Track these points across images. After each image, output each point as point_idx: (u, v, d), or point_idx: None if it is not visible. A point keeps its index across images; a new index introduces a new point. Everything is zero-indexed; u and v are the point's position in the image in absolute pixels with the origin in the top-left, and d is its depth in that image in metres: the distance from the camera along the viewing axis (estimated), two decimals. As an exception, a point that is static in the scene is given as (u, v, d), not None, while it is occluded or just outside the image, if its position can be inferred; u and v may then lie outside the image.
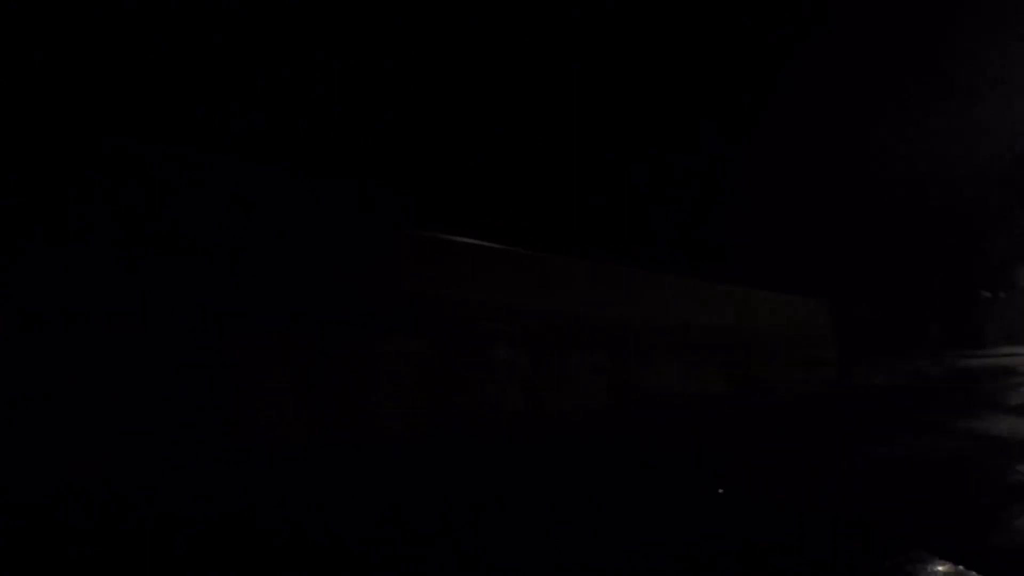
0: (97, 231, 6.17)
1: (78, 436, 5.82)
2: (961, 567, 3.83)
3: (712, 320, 11.57)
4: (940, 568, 3.89)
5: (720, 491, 5.42)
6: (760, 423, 9.57)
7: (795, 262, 13.34)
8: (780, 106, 12.31)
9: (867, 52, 12.40)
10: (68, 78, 7.02)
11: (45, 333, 5.81)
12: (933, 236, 17.78)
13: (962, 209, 17.66)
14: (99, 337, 5.98)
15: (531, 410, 9.09)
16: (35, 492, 5.36)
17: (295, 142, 8.12)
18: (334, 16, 8.74)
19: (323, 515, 4.98)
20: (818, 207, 13.57)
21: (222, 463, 6.25)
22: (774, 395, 11.44)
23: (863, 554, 4.15)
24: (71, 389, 5.78)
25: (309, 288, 7.33)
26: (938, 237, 18.14)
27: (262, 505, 5.35)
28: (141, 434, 5.93)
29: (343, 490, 5.86)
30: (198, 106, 7.79)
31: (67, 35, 7.07)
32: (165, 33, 7.55)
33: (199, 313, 6.38)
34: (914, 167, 14.14)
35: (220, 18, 7.91)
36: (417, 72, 9.07)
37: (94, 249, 6.14)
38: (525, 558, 4.17)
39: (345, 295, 7.62)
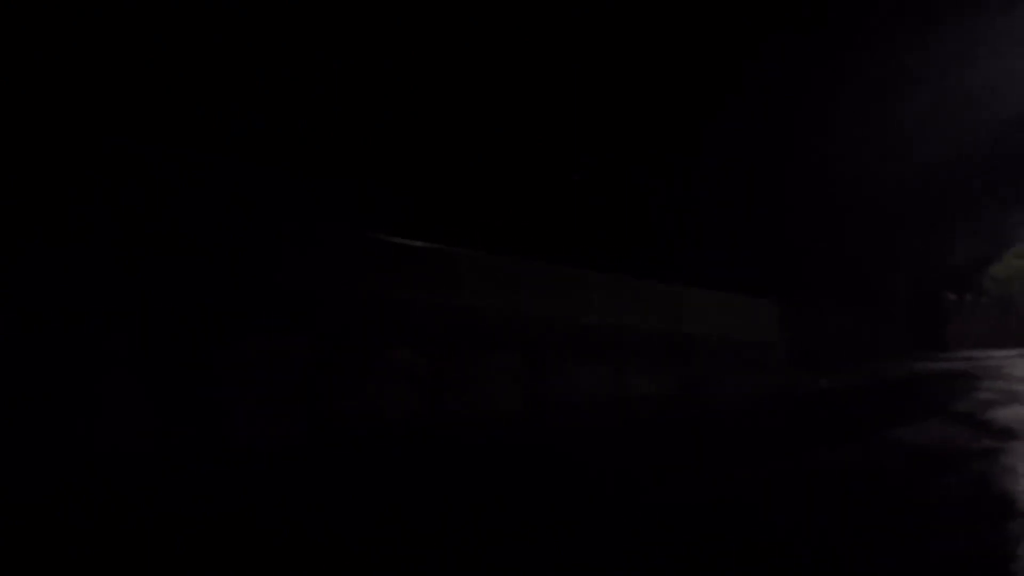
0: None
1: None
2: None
3: (646, 321, 11.03)
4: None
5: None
6: (682, 430, 9.03)
7: (745, 262, 12.84)
8: (728, 96, 11.79)
9: (821, 43, 11.93)
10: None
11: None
12: (895, 237, 17.36)
13: (926, 209, 17.25)
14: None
15: (429, 415, 8.51)
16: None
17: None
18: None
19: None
20: (770, 204, 13.09)
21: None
22: (711, 400, 10.91)
23: None
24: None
25: (166, 283, 6.70)
26: (901, 238, 17.72)
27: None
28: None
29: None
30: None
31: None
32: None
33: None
34: (872, 164, 13.68)
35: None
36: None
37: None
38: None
39: (211, 291, 7.00)
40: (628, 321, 10.77)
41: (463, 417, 8.77)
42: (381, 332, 8.20)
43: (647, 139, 10.95)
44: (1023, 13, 12.09)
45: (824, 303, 15.18)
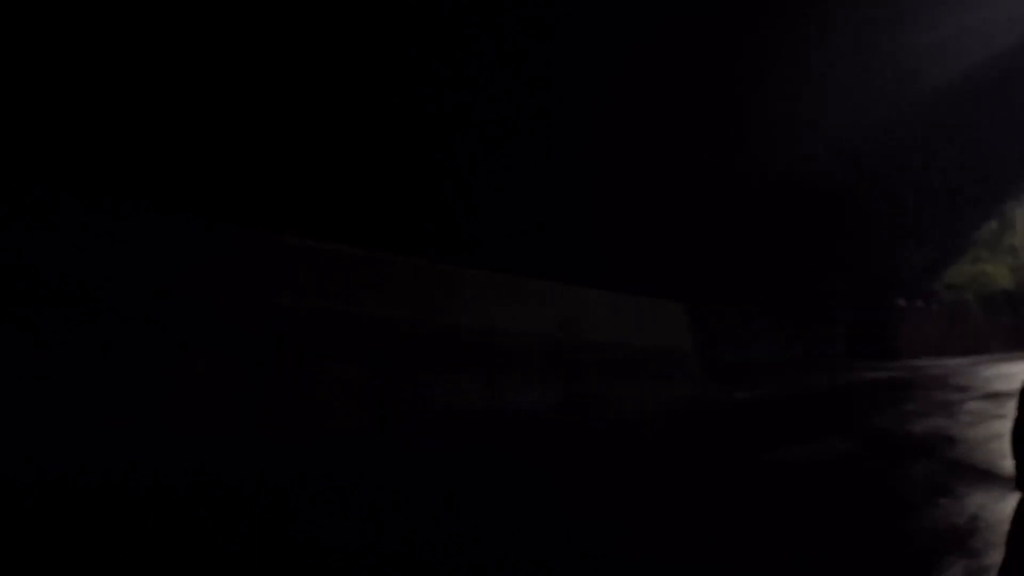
0: None
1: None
2: None
3: (529, 324, 10.01)
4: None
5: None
6: (547, 451, 8.00)
7: (654, 261, 11.89)
8: (617, 78, 10.85)
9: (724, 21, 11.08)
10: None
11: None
12: (834, 238, 16.55)
13: (865, 205, 16.47)
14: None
15: (245, 436, 7.39)
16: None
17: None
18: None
19: None
20: (682, 199, 12.17)
21: None
22: (606, 413, 9.91)
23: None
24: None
25: None
26: (841, 239, 16.92)
27: None
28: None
29: None
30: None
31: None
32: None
33: None
34: (795, 154, 12.79)
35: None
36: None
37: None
38: None
39: None
40: (509, 325, 9.74)
41: (291, 439, 7.64)
42: (178, 335, 7.09)
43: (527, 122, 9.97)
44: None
45: (750, 308, 14.29)
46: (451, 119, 9.78)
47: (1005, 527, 4.56)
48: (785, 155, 12.06)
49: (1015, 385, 5.69)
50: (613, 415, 9.93)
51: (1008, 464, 5.29)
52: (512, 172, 10.20)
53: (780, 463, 6.80)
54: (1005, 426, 5.60)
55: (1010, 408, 5.49)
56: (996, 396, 11.05)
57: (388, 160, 9.76)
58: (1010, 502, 5.03)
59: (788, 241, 14.29)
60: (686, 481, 6.19)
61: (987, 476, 5.90)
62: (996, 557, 4.06)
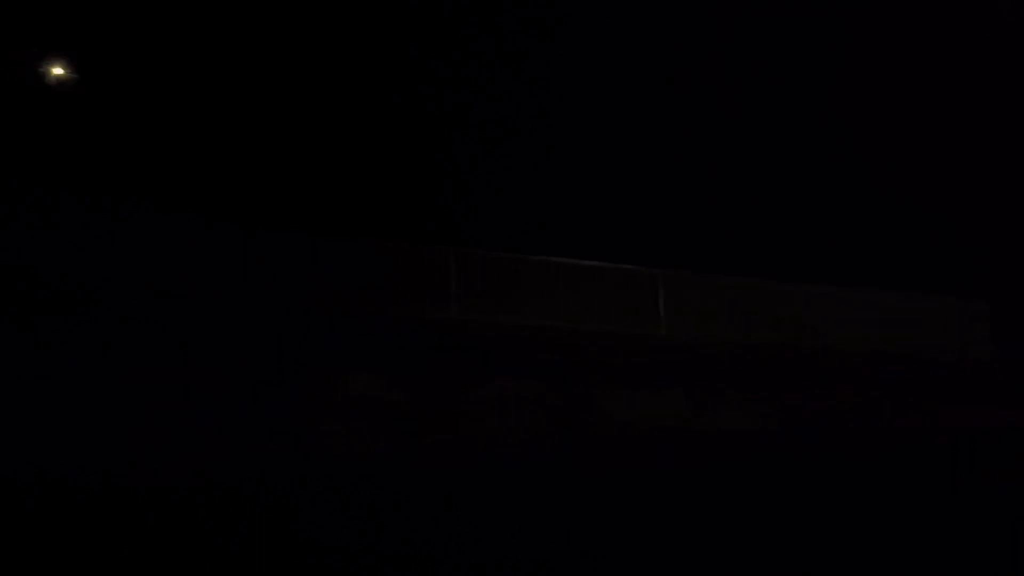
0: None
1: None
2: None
3: (741, 332, 8.59)
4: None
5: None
6: (788, 479, 6.75)
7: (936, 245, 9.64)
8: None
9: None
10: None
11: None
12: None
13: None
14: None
15: (404, 456, 7.22)
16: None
17: None
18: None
19: None
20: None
21: None
22: (837, 444, 8.20)
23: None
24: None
25: None
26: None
27: None
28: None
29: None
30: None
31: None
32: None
33: None
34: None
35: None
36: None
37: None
38: None
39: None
40: (714, 332, 8.52)
41: (456, 458, 7.40)
42: (335, 354, 7.25)
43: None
44: None
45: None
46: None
47: None
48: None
49: None
50: (853, 443, 8.14)
51: None
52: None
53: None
54: None
55: None
56: None
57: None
58: None
59: None
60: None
61: None
62: None
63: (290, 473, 6.25)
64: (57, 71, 8.34)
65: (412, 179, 8.60)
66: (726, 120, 9.38)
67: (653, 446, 7.74)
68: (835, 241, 9.24)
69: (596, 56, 9.26)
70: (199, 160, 8.28)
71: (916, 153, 9.64)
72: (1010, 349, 9.60)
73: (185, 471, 6.01)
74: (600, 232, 8.68)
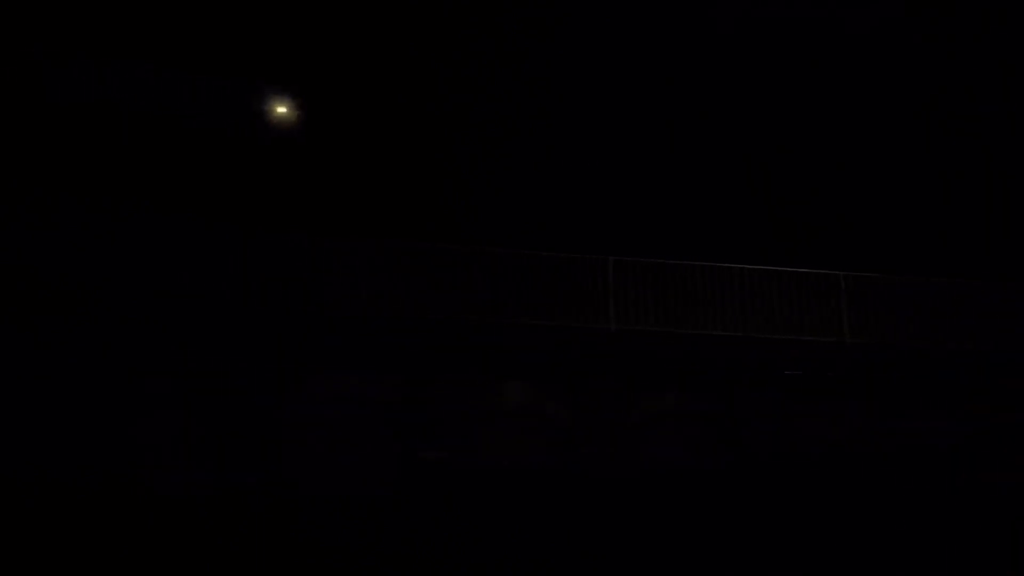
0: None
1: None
2: None
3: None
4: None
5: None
6: None
7: None
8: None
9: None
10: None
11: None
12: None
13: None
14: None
15: (564, 468, 6.69)
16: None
17: None
18: None
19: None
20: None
21: None
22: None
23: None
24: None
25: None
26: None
27: None
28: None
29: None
30: None
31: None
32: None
33: None
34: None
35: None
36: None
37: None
38: None
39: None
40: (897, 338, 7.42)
41: (616, 473, 6.65)
42: (491, 365, 6.65)
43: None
44: None
45: None
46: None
47: None
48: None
49: None
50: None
51: None
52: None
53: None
54: None
55: None
56: None
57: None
58: None
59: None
60: None
61: None
62: None
63: (453, 480, 6.34)
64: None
65: (566, 188, 8.11)
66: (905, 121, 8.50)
67: (830, 458, 7.09)
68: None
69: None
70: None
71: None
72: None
73: (354, 478, 6.14)
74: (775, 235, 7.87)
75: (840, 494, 6.76)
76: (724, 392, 7.05)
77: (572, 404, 6.96)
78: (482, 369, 6.90)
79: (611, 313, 7.09)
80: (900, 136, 8.56)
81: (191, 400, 6.39)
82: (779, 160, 8.52)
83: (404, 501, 6.12)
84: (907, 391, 7.34)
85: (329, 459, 6.38)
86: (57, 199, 7.17)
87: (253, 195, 7.63)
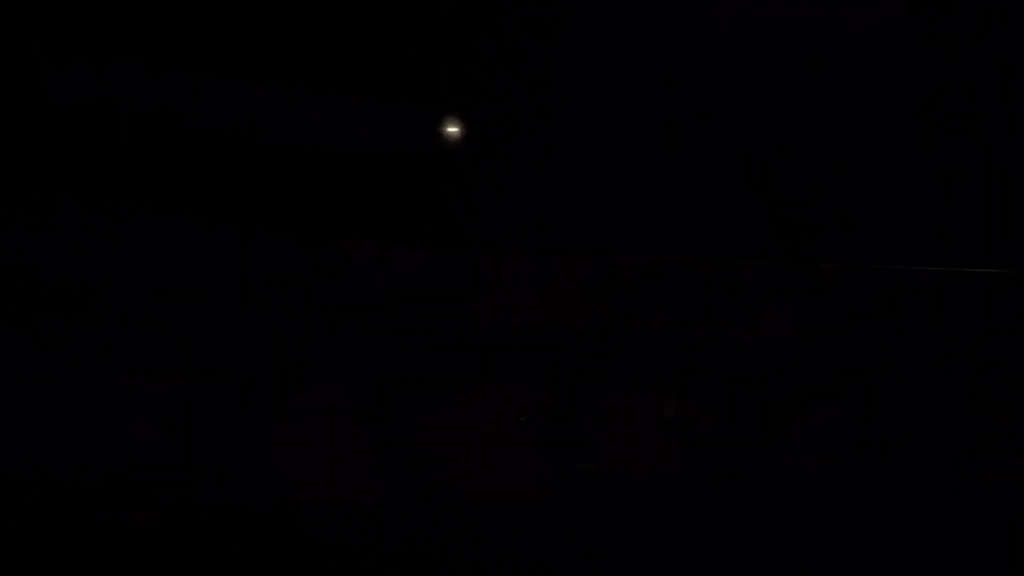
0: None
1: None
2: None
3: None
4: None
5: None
6: None
7: None
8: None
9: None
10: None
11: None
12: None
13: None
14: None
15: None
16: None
17: None
18: None
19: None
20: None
21: None
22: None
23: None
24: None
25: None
26: None
27: None
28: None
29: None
30: None
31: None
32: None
33: None
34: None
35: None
36: None
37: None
38: None
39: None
40: None
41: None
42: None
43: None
44: None
45: None
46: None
47: None
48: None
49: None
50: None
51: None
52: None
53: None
54: None
55: None
56: None
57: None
58: None
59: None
60: None
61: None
62: None
63: (598, 492, 6.33)
64: None
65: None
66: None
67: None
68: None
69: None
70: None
71: None
72: None
73: (503, 489, 6.24)
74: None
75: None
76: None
77: (720, 413, 6.84)
78: (623, 378, 6.83)
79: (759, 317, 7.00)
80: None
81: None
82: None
83: (555, 512, 6.16)
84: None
85: (477, 470, 6.40)
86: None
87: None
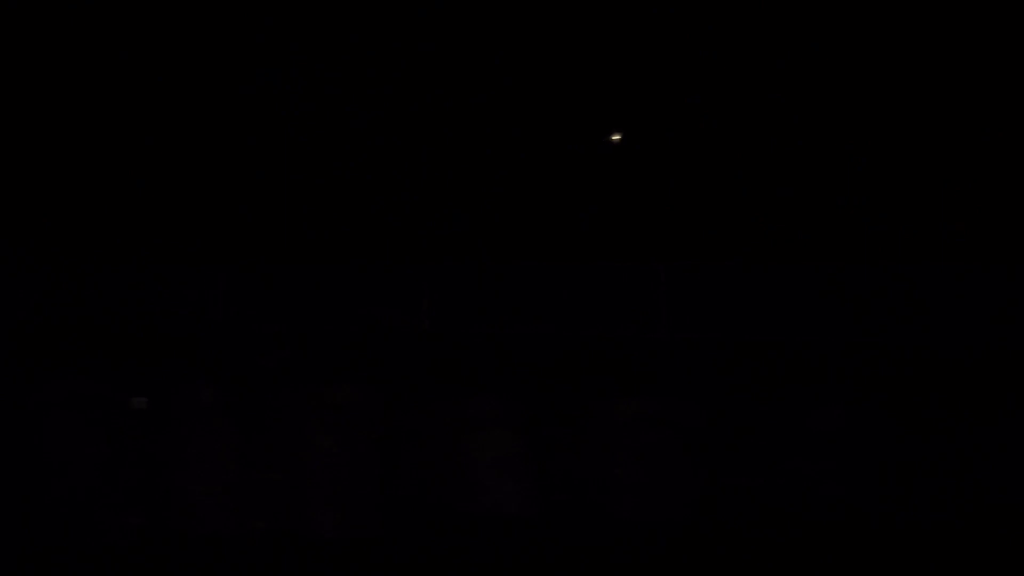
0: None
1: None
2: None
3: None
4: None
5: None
6: None
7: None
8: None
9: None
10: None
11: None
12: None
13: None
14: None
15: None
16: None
17: None
18: None
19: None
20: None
21: None
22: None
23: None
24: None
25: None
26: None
27: None
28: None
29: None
30: None
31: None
32: None
33: None
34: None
35: None
36: None
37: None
38: None
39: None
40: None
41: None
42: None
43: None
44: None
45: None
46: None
47: None
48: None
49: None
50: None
51: None
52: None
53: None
54: None
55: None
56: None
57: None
58: None
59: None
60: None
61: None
62: None
63: (762, 509, 6.14)
64: None
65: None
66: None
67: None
68: None
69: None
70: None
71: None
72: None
73: (667, 508, 6.08)
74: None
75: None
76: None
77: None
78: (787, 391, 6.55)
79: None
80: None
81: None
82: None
83: (723, 529, 5.99)
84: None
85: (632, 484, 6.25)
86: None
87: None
